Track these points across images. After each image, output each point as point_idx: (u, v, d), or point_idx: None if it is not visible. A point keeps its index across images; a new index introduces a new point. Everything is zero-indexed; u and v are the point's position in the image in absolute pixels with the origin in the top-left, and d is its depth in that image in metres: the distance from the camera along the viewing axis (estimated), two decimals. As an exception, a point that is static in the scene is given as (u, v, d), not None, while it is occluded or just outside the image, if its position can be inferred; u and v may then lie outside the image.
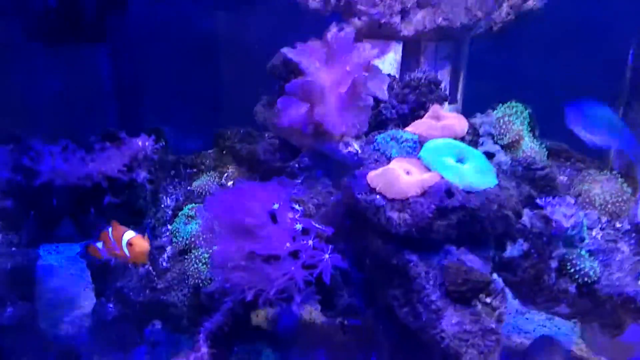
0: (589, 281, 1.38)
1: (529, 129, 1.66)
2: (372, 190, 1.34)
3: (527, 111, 1.64)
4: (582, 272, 1.37)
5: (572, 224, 1.35)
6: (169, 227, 1.62)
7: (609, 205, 1.61)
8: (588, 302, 1.41)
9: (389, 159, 1.42)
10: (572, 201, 1.36)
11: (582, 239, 1.45)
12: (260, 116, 1.71)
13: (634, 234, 1.54)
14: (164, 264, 1.53)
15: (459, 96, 1.82)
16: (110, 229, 1.30)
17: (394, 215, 1.30)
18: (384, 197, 1.32)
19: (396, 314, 1.37)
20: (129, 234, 1.31)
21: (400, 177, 1.33)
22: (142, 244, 1.29)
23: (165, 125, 1.79)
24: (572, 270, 1.37)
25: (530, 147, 1.60)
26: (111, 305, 1.45)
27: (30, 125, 1.48)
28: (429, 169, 1.36)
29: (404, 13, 1.64)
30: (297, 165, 1.68)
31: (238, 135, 1.81)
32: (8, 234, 1.45)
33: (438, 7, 1.62)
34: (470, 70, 1.89)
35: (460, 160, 1.39)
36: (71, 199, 1.41)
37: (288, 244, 1.29)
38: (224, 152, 1.81)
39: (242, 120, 1.85)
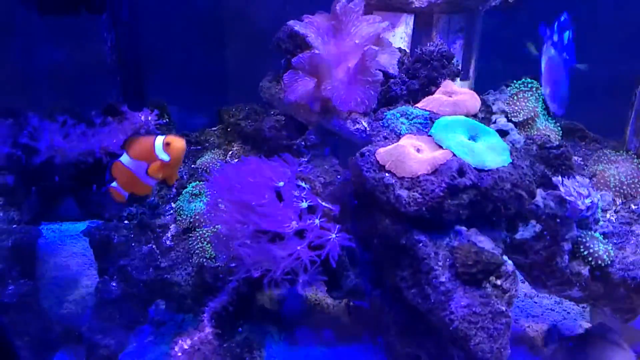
0: (603, 264, 1.33)
1: (544, 106, 1.60)
2: (381, 168, 1.29)
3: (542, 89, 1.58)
4: (596, 255, 1.32)
5: (587, 205, 1.30)
6: (173, 205, 1.58)
7: (624, 187, 1.56)
8: (601, 285, 1.37)
9: (398, 136, 1.37)
10: (587, 181, 1.31)
11: (597, 221, 1.40)
12: (266, 92, 1.66)
13: (650, 216, 1.49)
14: (168, 242, 1.50)
15: (471, 72, 1.76)
16: (127, 143, 1.16)
17: (404, 193, 1.25)
18: (393, 175, 1.27)
19: (404, 295, 1.33)
20: (161, 137, 1.17)
21: (411, 154, 1.28)
22: (180, 140, 1.18)
23: (169, 100, 1.74)
24: (586, 252, 1.32)
25: (545, 125, 1.54)
26: (114, 284, 1.42)
27: (29, 98, 1.44)
28: (440, 147, 1.31)
29: (415, -16, 1.57)
30: (303, 143, 1.63)
31: (243, 112, 1.76)
32: (9, 211, 1.42)
33: (451, -23, 1.55)
34: (483, 45, 1.82)
35: (472, 137, 1.34)
36: (72, 175, 1.37)
37: (294, 223, 1.25)
38: (229, 129, 1.76)
39: (247, 97, 1.79)
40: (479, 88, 1.73)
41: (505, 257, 1.36)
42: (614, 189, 1.56)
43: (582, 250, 1.33)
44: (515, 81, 1.58)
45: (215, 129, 1.79)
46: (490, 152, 1.30)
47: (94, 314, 1.41)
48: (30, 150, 1.27)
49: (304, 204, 1.28)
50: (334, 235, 1.29)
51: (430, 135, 1.34)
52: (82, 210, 1.48)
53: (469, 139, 1.33)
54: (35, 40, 1.47)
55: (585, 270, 1.34)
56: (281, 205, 1.27)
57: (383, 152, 1.30)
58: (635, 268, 1.37)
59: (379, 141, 1.37)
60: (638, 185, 1.56)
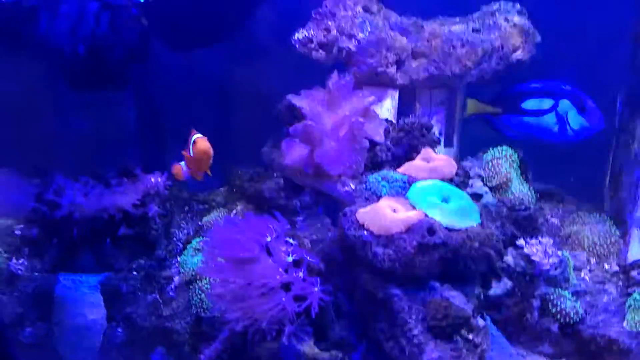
0: (571, 321, 1.36)
1: (520, 172, 1.67)
2: (361, 227, 1.38)
3: (516, 155, 1.66)
4: (564, 312, 1.36)
5: (552, 264, 1.35)
6: (178, 258, 1.68)
7: (597, 247, 1.60)
8: (572, 342, 1.39)
9: (379, 198, 1.46)
10: (551, 241, 1.36)
11: (567, 279, 1.44)
12: (267, 157, 1.78)
13: (621, 276, 1.52)
14: (171, 293, 1.59)
15: (455, 140, 1.86)
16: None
17: (380, 250, 1.32)
18: (371, 233, 1.35)
19: (383, 347, 1.38)
20: (197, 135, 1.42)
21: (387, 214, 1.36)
22: (204, 142, 1.40)
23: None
24: (554, 310, 1.36)
25: (519, 189, 1.61)
26: (120, 330, 1.51)
27: (58, 161, 1.59)
28: (414, 208, 1.39)
29: (399, 63, 1.71)
30: (298, 203, 1.73)
31: (247, 175, 1.88)
32: (32, 260, 1.55)
33: (430, 57, 1.68)
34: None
35: (445, 199, 1.42)
36: (89, 230, 1.49)
37: (279, 276, 1.33)
38: (234, 190, 1.88)
39: (252, 161, 1.92)
40: (465, 154, 1.83)
41: (479, 313, 1.41)
42: (587, 249, 1.60)
43: (550, 307, 1.36)
44: (491, 148, 1.67)
45: (222, 189, 1.91)
46: (460, 213, 1.37)
47: (101, 357, 1.49)
48: (54, 205, 1.41)
49: (290, 258, 1.36)
50: (316, 289, 1.35)
51: (406, 198, 1.42)
52: (97, 263, 1.59)
53: (442, 201, 1.41)
54: (67, 111, 1.65)
55: (554, 327, 1.37)
56: (269, 259, 1.35)
57: (362, 212, 1.39)
58: (605, 326, 1.39)
59: (360, 202, 1.46)
60: (611, 246, 1.60)
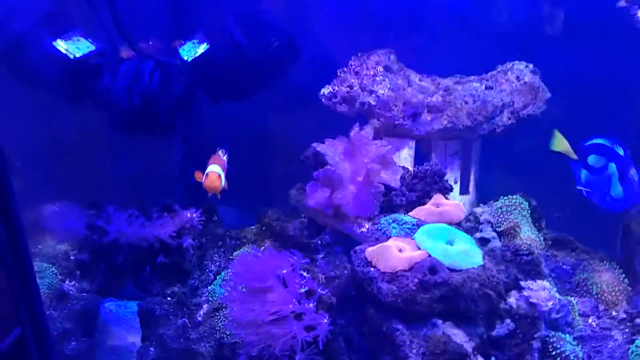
0: (572, 364, 1.36)
1: (531, 219, 1.71)
2: (369, 264, 1.47)
3: (526, 203, 1.71)
4: (564, 355, 1.37)
5: (552, 307, 1.37)
6: (209, 288, 1.81)
7: (605, 294, 1.60)
8: (575, 386, 1.39)
9: (388, 238, 1.54)
10: (549, 286, 1.39)
11: (569, 324, 1.45)
12: (293, 199, 1.91)
13: (628, 323, 1.51)
14: (199, 318, 1.71)
15: (470, 187, 1.92)
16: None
17: (384, 286, 1.40)
18: (377, 269, 1.44)
19: (387, 379, 1.43)
20: (212, 167, 1.61)
21: (393, 253, 1.45)
22: (210, 178, 1.58)
23: (220, 204, 2.04)
24: (554, 352, 1.37)
25: (528, 235, 1.65)
26: (152, 349, 1.64)
27: (113, 196, 1.78)
28: (419, 248, 1.46)
29: (415, 116, 1.82)
30: (319, 242, 1.84)
31: (276, 215, 2.01)
32: (82, 282, 1.72)
33: (444, 111, 1.79)
34: (485, 164, 1.99)
35: (450, 242, 1.49)
36: (131, 256, 1.66)
37: (291, 306, 1.43)
38: (264, 228, 2.01)
39: (283, 203, 2.05)
40: (482, 201, 1.88)
41: (479, 352, 1.44)
42: (596, 296, 1.61)
43: (550, 349, 1.38)
44: (502, 196, 1.72)
45: (253, 227, 2.05)
46: (463, 255, 1.43)
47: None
48: (102, 231, 1.59)
49: (302, 290, 1.46)
50: (325, 320, 1.44)
51: (413, 239, 1.50)
52: (137, 287, 1.74)
53: (447, 243, 1.48)
54: (122, 153, 1.85)
55: (555, 369, 1.37)
56: (283, 289, 1.46)
57: (371, 250, 1.48)
58: (608, 372, 1.39)
59: (371, 241, 1.56)
60: (619, 294, 1.60)
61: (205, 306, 1.75)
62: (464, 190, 1.92)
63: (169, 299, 1.72)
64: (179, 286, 1.76)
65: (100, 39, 1.75)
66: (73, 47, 1.69)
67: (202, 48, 1.74)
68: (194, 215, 1.71)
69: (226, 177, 1.67)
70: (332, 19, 2.09)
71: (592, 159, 1.70)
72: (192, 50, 1.73)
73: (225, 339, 1.62)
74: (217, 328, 1.66)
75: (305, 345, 1.42)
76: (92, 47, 1.72)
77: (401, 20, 2.16)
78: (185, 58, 1.74)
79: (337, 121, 1.98)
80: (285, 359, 1.44)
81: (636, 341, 1.40)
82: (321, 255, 1.86)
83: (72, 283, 1.78)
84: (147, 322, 1.68)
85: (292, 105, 2.05)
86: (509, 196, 1.72)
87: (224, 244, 1.99)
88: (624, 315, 1.55)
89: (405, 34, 2.12)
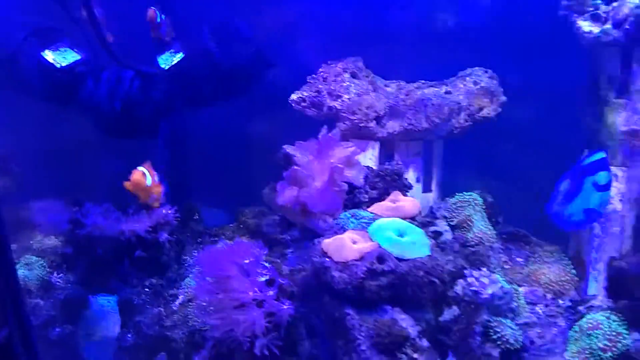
0: (511, 348, 1.42)
1: (485, 215, 1.78)
2: (324, 254, 1.54)
3: (481, 200, 1.78)
4: (504, 339, 1.43)
5: (493, 295, 1.43)
6: (186, 280, 1.89)
7: (553, 284, 1.66)
8: (515, 368, 1.45)
9: (345, 231, 1.62)
10: (489, 274, 1.45)
11: (513, 310, 1.51)
12: (267, 197, 2.00)
13: (572, 311, 1.57)
14: (174, 307, 1.79)
15: (433, 186, 1.99)
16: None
17: (337, 274, 1.48)
18: (332, 260, 1.52)
19: (341, 362, 1.50)
20: (139, 168, 1.67)
21: (346, 244, 1.52)
22: (134, 176, 1.65)
23: (200, 202, 2.13)
24: (495, 336, 1.43)
25: (480, 229, 1.71)
26: (129, 335, 1.73)
27: (96, 195, 1.88)
28: (372, 240, 1.54)
29: (378, 119, 1.90)
30: (289, 237, 1.92)
31: (252, 213, 2.10)
32: (67, 274, 1.82)
33: (405, 114, 1.87)
34: (449, 162, 2.07)
35: (401, 234, 1.56)
36: (110, 250, 1.75)
37: (251, 293, 1.51)
38: (241, 226, 2.10)
39: (260, 201, 2.14)
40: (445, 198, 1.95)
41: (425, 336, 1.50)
42: (544, 286, 1.67)
43: (491, 333, 1.44)
44: (457, 193, 1.80)
45: (232, 225, 2.14)
46: (411, 246, 1.51)
47: (113, 357, 1.71)
48: (80, 224, 1.69)
49: (263, 279, 1.54)
50: (284, 307, 1.51)
51: (367, 232, 1.58)
52: (117, 280, 1.83)
53: (398, 236, 1.55)
54: (105, 155, 1.96)
55: (495, 352, 1.43)
56: (244, 278, 1.54)
57: (326, 242, 1.56)
58: (547, 355, 1.45)
59: (330, 235, 1.63)
60: (566, 284, 1.65)
61: (181, 297, 1.84)
62: (426, 188, 1.99)
63: (146, 290, 1.82)
64: (157, 278, 1.85)
65: (85, 49, 1.86)
66: (60, 57, 1.81)
67: (178, 57, 1.85)
68: (170, 211, 1.80)
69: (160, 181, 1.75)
70: (306, 29, 2.19)
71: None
72: (169, 59, 1.84)
73: (198, 326, 1.71)
74: (190, 316, 1.74)
75: (266, 331, 1.50)
76: (78, 57, 1.84)
77: (374, 30, 2.26)
78: (163, 66, 1.85)
79: (310, 125, 2.07)
80: (247, 342, 1.52)
81: (574, 326, 1.45)
82: (291, 250, 1.95)
83: (60, 275, 1.89)
84: (126, 311, 1.78)
85: (269, 110, 2.14)
86: (465, 193, 1.79)
87: (203, 240, 2.08)
88: (570, 304, 1.61)
89: (377, 43, 2.21)
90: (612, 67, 1.66)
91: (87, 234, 1.69)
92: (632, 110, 1.62)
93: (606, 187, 1.44)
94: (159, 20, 1.75)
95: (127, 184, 1.69)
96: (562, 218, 1.51)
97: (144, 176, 1.68)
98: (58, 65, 1.80)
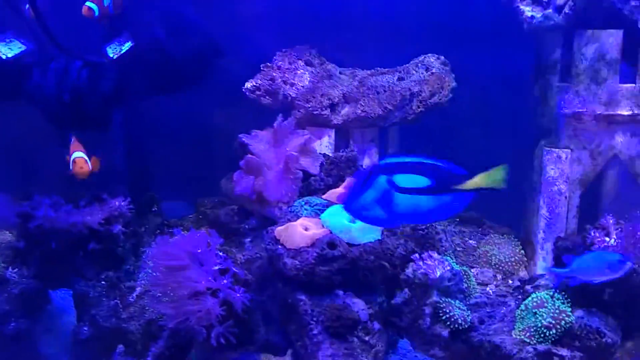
0: (460, 328, 1.44)
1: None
2: (277, 242, 1.54)
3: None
4: (453, 319, 1.44)
5: (442, 276, 1.45)
6: (143, 272, 1.86)
7: (503, 265, 1.68)
8: (465, 347, 1.47)
9: (299, 218, 1.61)
10: (438, 256, 1.47)
11: (462, 291, 1.53)
12: (225, 187, 1.98)
13: (521, 290, 1.59)
14: (131, 299, 1.77)
15: (388, 173, 1.99)
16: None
17: (289, 261, 1.48)
18: (284, 247, 1.51)
19: (294, 347, 1.50)
20: (77, 154, 1.69)
21: (298, 231, 1.52)
22: (81, 164, 1.67)
23: (161, 195, 2.10)
24: (444, 317, 1.45)
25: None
26: (85, 328, 1.69)
27: (47, 189, 1.83)
28: (324, 227, 1.53)
29: (333, 107, 1.89)
30: (247, 227, 1.90)
31: (211, 203, 2.07)
32: (21, 269, 1.77)
33: (359, 101, 1.86)
34: (407, 149, 2.07)
35: (352, 220, 1.56)
36: (63, 243, 1.71)
37: (204, 282, 1.49)
38: (200, 216, 2.08)
39: (219, 192, 2.11)
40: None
41: (376, 318, 1.51)
42: (494, 267, 1.69)
43: (440, 314, 1.45)
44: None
45: (191, 216, 2.11)
46: (362, 231, 1.51)
47: (70, 350, 1.68)
48: (29, 216, 1.64)
49: (216, 267, 1.53)
50: (238, 295, 1.50)
51: (319, 219, 1.57)
52: (72, 273, 1.79)
53: (350, 222, 1.55)
54: (56, 147, 1.89)
55: (445, 332, 1.45)
56: (198, 267, 1.52)
57: (279, 230, 1.55)
58: (495, 333, 1.47)
59: (283, 222, 1.62)
60: (515, 264, 1.68)
61: (138, 289, 1.81)
62: (382, 175, 1.99)
63: (102, 282, 1.78)
64: (113, 271, 1.82)
65: (31, 40, 1.80)
66: (5, 48, 1.75)
67: (127, 46, 1.80)
68: (123, 203, 1.77)
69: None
70: (260, 17, 2.16)
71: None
72: (117, 49, 1.79)
73: (154, 317, 1.68)
74: (147, 308, 1.71)
75: (222, 319, 1.48)
76: (24, 47, 1.77)
77: (328, 18, 2.24)
78: (111, 56, 1.79)
79: (269, 114, 2.05)
80: (203, 331, 1.51)
81: (520, 305, 1.48)
82: (249, 239, 1.93)
83: (15, 270, 1.83)
84: (81, 304, 1.74)
85: (226, 100, 2.11)
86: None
87: (162, 232, 2.05)
88: (518, 283, 1.64)
89: (331, 30, 2.19)
90: (555, 51, 1.68)
91: (38, 226, 1.64)
92: (573, 93, 1.65)
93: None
94: (97, 14, 1.70)
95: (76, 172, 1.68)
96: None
97: (87, 163, 1.66)
98: (4, 57, 1.73)
